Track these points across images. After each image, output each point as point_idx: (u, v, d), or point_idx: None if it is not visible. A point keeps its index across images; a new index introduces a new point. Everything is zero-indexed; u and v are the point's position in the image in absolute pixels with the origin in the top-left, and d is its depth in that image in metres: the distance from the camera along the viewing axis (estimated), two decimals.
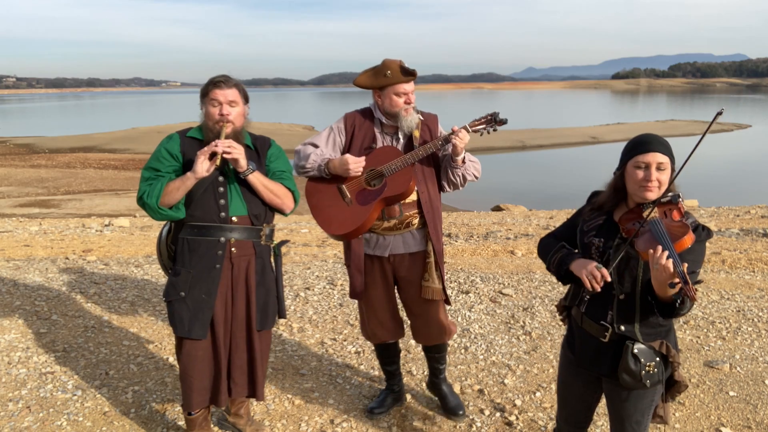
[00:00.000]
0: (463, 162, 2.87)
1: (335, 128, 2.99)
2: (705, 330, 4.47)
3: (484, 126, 2.88)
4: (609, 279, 1.93)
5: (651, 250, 1.79)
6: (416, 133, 2.90)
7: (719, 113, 1.77)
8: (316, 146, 2.96)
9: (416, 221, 2.93)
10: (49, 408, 3.24)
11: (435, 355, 3.22)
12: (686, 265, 1.73)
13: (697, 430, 3.15)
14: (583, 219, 2.17)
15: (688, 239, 1.84)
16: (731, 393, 3.51)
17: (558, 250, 2.16)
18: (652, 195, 1.96)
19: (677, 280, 1.72)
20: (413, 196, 2.89)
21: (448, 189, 3.00)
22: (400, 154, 2.83)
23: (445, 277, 3.17)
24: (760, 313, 4.78)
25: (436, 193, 2.98)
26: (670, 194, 1.96)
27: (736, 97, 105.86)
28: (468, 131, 2.82)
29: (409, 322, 3.18)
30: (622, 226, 2.01)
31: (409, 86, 2.84)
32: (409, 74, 2.82)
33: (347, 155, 2.83)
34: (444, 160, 2.95)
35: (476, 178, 3.00)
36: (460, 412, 3.18)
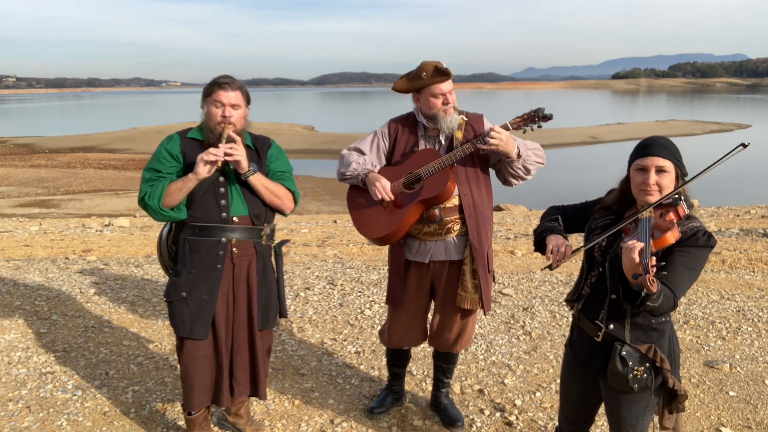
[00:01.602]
0: (519, 156, 2.77)
1: (379, 133, 2.95)
2: (705, 330, 4.47)
3: (525, 123, 2.79)
4: (568, 258, 1.99)
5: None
6: (458, 134, 2.82)
7: (743, 145, 1.87)
8: (360, 151, 2.93)
9: (458, 227, 2.84)
10: (49, 408, 3.24)
11: (443, 365, 3.17)
12: (654, 258, 1.71)
13: (697, 430, 3.15)
14: (593, 217, 2.18)
15: (671, 236, 1.83)
16: (731, 393, 3.51)
17: (551, 220, 2.22)
18: (652, 198, 1.95)
19: (640, 271, 1.71)
20: (455, 200, 2.82)
21: (515, 182, 2.89)
22: (438, 156, 2.77)
23: (491, 287, 3.02)
24: (760, 313, 4.78)
25: (482, 196, 2.86)
26: (671, 197, 1.93)
27: (736, 97, 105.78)
28: (508, 128, 2.74)
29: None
30: (624, 226, 2.01)
31: (446, 86, 2.76)
32: (443, 74, 2.74)
33: (383, 179, 2.78)
34: (501, 157, 2.83)
35: (541, 163, 2.87)
36: (459, 424, 3.13)
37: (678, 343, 2.13)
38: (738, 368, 3.82)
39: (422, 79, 2.76)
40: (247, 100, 2.67)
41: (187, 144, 2.65)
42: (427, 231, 2.84)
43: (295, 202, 2.81)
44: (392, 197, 2.78)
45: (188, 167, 2.58)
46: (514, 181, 2.89)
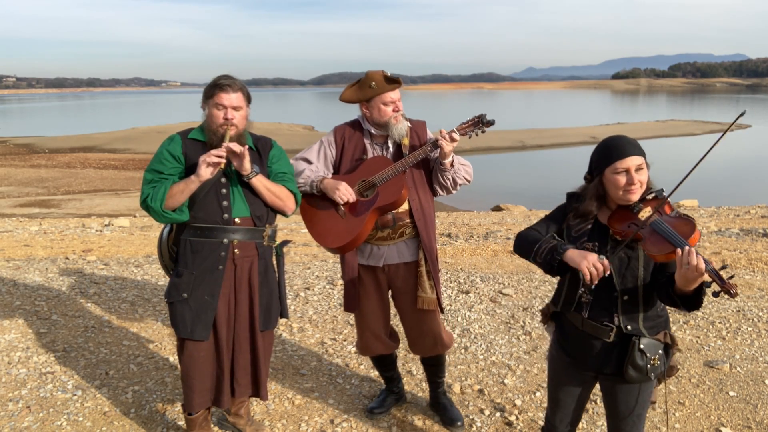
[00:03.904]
0: (452, 165, 2.86)
1: (325, 142, 3.00)
2: (705, 330, 4.47)
3: (471, 128, 2.87)
4: (609, 272, 1.94)
5: (679, 251, 1.81)
6: (405, 141, 2.90)
7: (742, 114, 1.94)
8: (308, 161, 2.97)
9: (409, 230, 2.92)
10: (49, 408, 3.25)
11: (432, 367, 3.19)
12: (713, 261, 1.78)
13: (697, 430, 3.15)
14: (568, 225, 2.18)
15: (696, 236, 1.89)
16: (731, 393, 3.51)
17: (548, 239, 2.11)
18: (636, 197, 2.03)
19: (709, 278, 1.77)
20: (405, 205, 2.88)
21: (441, 192, 2.99)
22: (390, 163, 2.83)
23: (441, 285, 3.13)
24: (760, 313, 4.78)
25: (428, 200, 2.97)
26: (654, 191, 2.04)
27: (736, 97, 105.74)
28: (455, 134, 2.81)
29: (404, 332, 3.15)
30: (614, 229, 2.03)
31: (395, 94, 2.85)
32: (393, 82, 2.83)
33: (343, 182, 2.82)
34: (434, 164, 2.94)
35: (468, 181, 2.98)
36: (459, 423, 3.14)
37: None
38: (738, 368, 3.82)
39: (372, 89, 2.82)
40: (248, 100, 2.67)
41: (189, 145, 2.64)
42: (381, 236, 2.90)
43: (297, 203, 2.81)
44: (355, 198, 2.82)
45: (190, 168, 2.58)
46: (439, 190, 2.98)
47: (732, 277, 1.81)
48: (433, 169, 2.95)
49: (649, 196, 2.04)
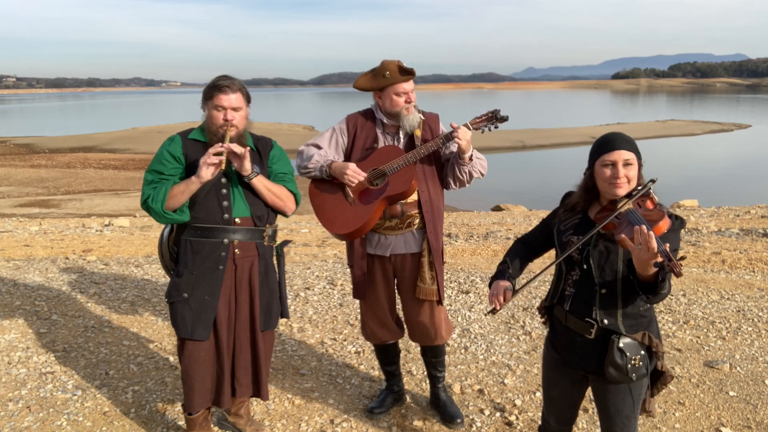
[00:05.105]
0: (470, 159, 2.87)
1: (337, 129, 3.00)
2: (705, 330, 4.47)
3: (485, 123, 2.89)
4: (509, 301, 2.07)
5: (636, 228, 1.82)
6: (418, 132, 2.91)
7: (652, 181, 2.03)
8: (319, 147, 2.97)
9: (417, 221, 2.94)
10: (49, 408, 3.25)
11: (432, 359, 3.21)
12: (668, 245, 1.78)
13: (697, 430, 3.15)
14: (558, 220, 2.22)
15: (665, 223, 1.90)
16: (731, 393, 3.51)
17: (502, 263, 2.29)
18: (622, 191, 2.03)
19: (660, 258, 1.77)
20: (414, 196, 2.90)
21: (454, 186, 2.99)
22: (401, 153, 2.84)
23: (444, 278, 3.16)
24: (760, 313, 4.78)
25: (437, 193, 2.98)
26: (645, 187, 2.04)
27: (736, 97, 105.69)
28: (469, 129, 2.82)
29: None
30: (607, 223, 2.05)
31: (408, 85, 2.85)
32: (407, 73, 2.83)
33: (351, 163, 2.83)
34: (451, 158, 2.94)
35: (482, 175, 2.99)
36: (458, 420, 3.15)
37: (658, 327, 2.18)
38: (738, 368, 3.82)
39: (386, 78, 2.83)
40: (248, 100, 2.67)
41: (189, 145, 2.65)
42: (389, 226, 2.92)
43: (297, 203, 2.81)
44: (365, 177, 2.83)
45: (190, 168, 2.58)
46: (453, 184, 2.99)
47: (682, 258, 1.80)
48: (449, 162, 2.95)
49: (635, 192, 2.05)
